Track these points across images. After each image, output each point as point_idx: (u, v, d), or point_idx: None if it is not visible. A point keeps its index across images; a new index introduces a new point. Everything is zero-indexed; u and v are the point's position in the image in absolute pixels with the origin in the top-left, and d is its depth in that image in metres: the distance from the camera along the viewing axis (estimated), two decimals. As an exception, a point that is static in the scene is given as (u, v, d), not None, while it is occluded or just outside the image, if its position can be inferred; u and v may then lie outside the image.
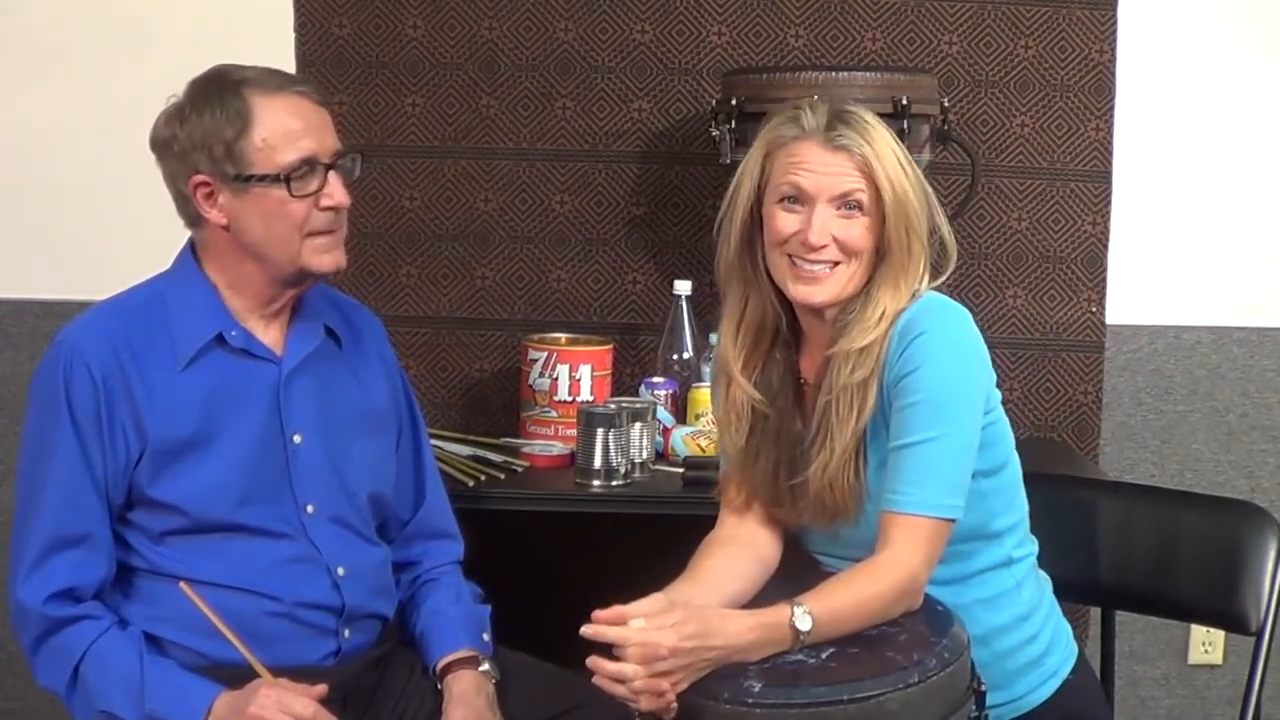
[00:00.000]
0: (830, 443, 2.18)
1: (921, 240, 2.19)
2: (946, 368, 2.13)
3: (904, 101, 2.83)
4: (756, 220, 2.23)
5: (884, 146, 2.18)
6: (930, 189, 2.23)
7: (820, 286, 2.18)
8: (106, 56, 3.26)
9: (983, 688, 2.05)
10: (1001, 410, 2.26)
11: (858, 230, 2.17)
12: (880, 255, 2.18)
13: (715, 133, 2.96)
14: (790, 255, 2.18)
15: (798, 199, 2.18)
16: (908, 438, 2.12)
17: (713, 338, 3.03)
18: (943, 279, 2.24)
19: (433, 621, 2.44)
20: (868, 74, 2.91)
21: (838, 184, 2.16)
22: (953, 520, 2.12)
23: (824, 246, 2.16)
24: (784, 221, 2.18)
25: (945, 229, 2.24)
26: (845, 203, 2.17)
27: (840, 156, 2.17)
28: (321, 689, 2.17)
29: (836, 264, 2.17)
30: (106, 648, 2.21)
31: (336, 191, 2.28)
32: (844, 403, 2.17)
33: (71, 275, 3.27)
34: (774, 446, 2.26)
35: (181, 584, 2.22)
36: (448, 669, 2.38)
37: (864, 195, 2.16)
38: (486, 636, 2.44)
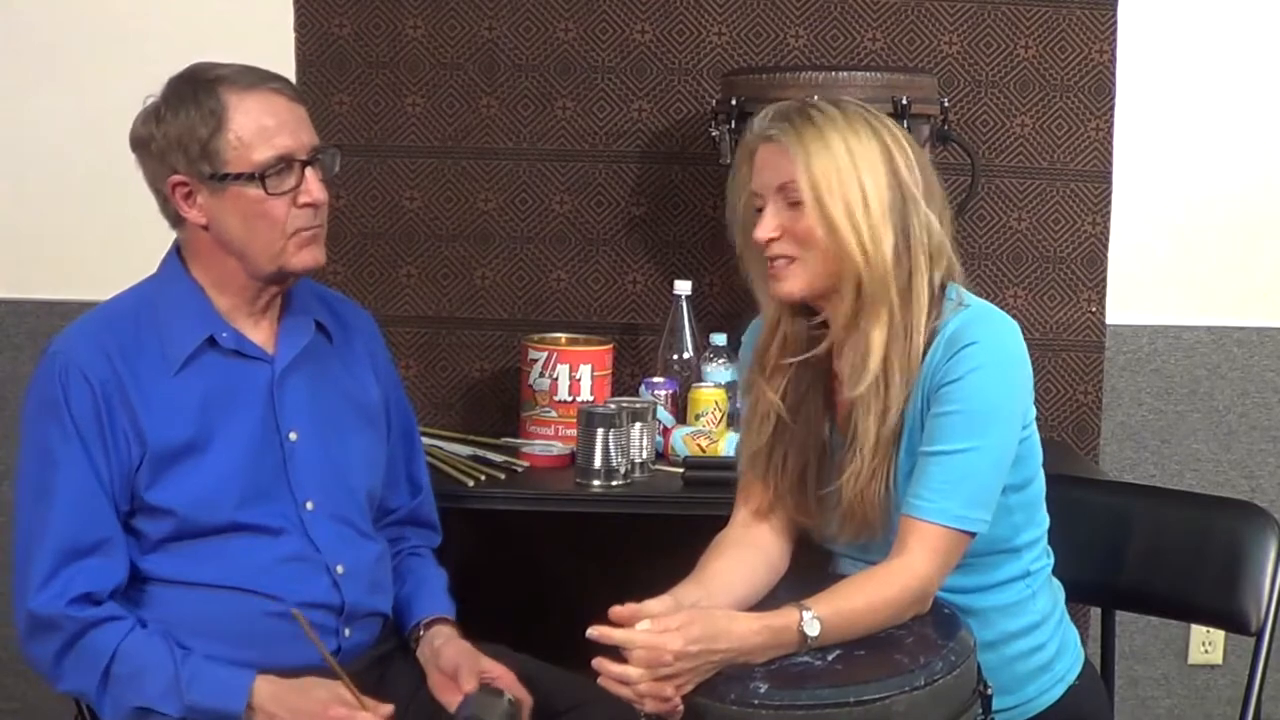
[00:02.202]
0: (861, 455, 2.14)
1: (881, 259, 2.10)
2: (991, 381, 2.10)
3: (904, 101, 2.83)
4: None
5: (820, 143, 2.11)
6: (919, 197, 2.14)
7: (784, 282, 2.16)
8: (106, 56, 3.25)
9: (989, 691, 2.05)
10: (1035, 426, 2.24)
11: (803, 224, 2.12)
12: (855, 285, 2.11)
13: (715, 133, 2.95)
14: (768, 259, 2.17)
15: (760, 201, 2.17)
16: (940, 445, 2.10)
17: (713, 338, 3.04)
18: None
19: (420, 590, 2.46)
20: (868, 74, 2.91)
21: (775, 177, 2.14)
22: (973, 534, 2.11)
23: (773, 240, 2.14)
24: (754, 228, 2.17)
25: (934, 231, 2.15)
26: (787, 197, 2.13)
27: (773, 149, 2.14)
28: (388, 709, 2.19)
29: (794, 259, 2.14)
30: (136, 645, 2.20)
31: (314, 188, 2.26)
32: (876, 424, 2.13)
33: (71, 275, 3.27)
34: (800, 453, 2.24)
35: (293, 611, 2.22)
36: (430, 624, 2.41)
37: (800, 188, 2.12)
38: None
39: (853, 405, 2.17)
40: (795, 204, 2.13)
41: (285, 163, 2.23)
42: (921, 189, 2.15)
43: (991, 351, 2.11)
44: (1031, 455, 2.24)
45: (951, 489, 2.08)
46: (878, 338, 2.12)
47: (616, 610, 1.96)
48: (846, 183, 2.10)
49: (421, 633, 2.42)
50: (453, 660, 2.33)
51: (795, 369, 2.23)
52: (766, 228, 2.14)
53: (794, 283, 2.15)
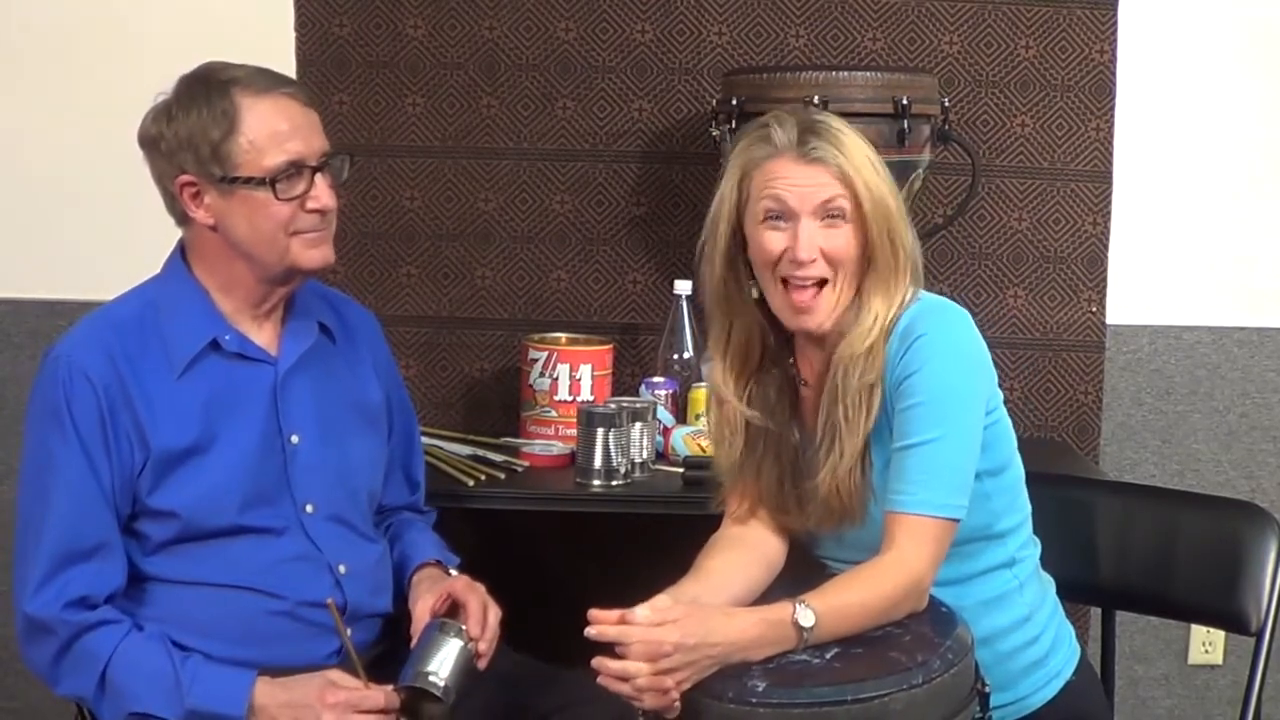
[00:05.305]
0: (839, 445, 2.18)
1: (904, 244, 2.19)
2: (946, 369, 2.13)
3: (904, 101, 2.83)
4: (739, 244, 2.23)
5: (858, 153, 2.18)
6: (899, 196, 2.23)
7: (813, 314, 2.18)
8: (107, 55, 3.25)
9: (986, 689, 2.05)
10: (1004, 411, 2.26)
11: (842, 240, 2.17)
12: (868, 262, 2.18)
13: (715, 133, 2.96)
14: (784, 279, 2.18)
15: (781, 215, 2.17)
16: (910, 439, 2.12)
17: (714, 338, 3.04)
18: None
19: (411, 549, 2.48)
20: (868, 74, 2.90)
21: (818, 194, 2.16)
22: (956, 520, 2.13)
23: (813, 261, 2.16)
24: (771, 240, 2.18)
25: (910, 236, 2.23)
26: (828, 212, 2.16)
27: (816, 168, 2.16)
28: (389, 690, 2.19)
29: (824, 283, 2.17)
30: (133, 649, 2.20)
31: (323, 194, 2.26)
32: (852, 407, 2.17)
33: (71, 275, 3.28)
34: (776, 460, 2.27)
35: (328, 602, 2.23)
36: (417, 570, 2.43)
37: (845, 202, 2.16)
38: (454, 570, 2.47)
39: (824, 398, 2.20)
40: (833, 219, 2.16)
41: (296, 168, 2.23)
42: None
43: (942, 341, 2.14)
44: (1002, 440, 2.26)
45: (928, 479, 2.11)
46: (878, 307, 2.18)
47: (596, 612, 1.97)
48: (890, 197, 2.18)
49: (409, 590, 2.42)
50: (415, 597, 2.35)
51: (758, 376, 2.27)
52: (808, 247, 2.16)
53: (821, 315, 2.18)
